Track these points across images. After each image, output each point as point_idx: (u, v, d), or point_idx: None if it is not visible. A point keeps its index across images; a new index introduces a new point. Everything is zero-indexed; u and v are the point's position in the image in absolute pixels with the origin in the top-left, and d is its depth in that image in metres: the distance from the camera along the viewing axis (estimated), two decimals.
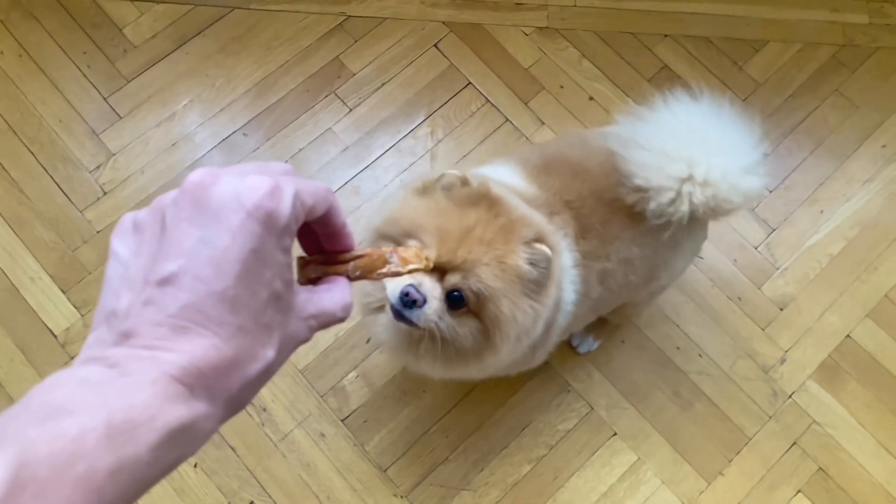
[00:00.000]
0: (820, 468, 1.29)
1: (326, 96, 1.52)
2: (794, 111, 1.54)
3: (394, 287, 0.75)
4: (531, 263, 0.78)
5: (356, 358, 1.33)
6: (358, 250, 0.42)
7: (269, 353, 0.34)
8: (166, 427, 0.30)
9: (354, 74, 1.54)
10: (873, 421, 1.31)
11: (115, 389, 0.30)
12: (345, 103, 1.52)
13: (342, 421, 1.29)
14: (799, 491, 1.28)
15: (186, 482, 1.24)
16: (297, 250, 0.41)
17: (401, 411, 1.30)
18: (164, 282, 0.32)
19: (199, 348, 0.31)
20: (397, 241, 0.78)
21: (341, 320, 0.39)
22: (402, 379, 1.32)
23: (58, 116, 1.48)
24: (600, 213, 0.94)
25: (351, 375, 1.32)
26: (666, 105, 0.98)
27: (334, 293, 0.40)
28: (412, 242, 0.76)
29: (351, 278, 0.42)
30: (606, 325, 1.32)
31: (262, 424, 1.28)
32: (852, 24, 1.61)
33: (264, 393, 1.29)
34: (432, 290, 0.76)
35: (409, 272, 0.45)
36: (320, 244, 0.42)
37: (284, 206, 0.33)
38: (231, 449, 1.26)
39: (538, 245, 0.78)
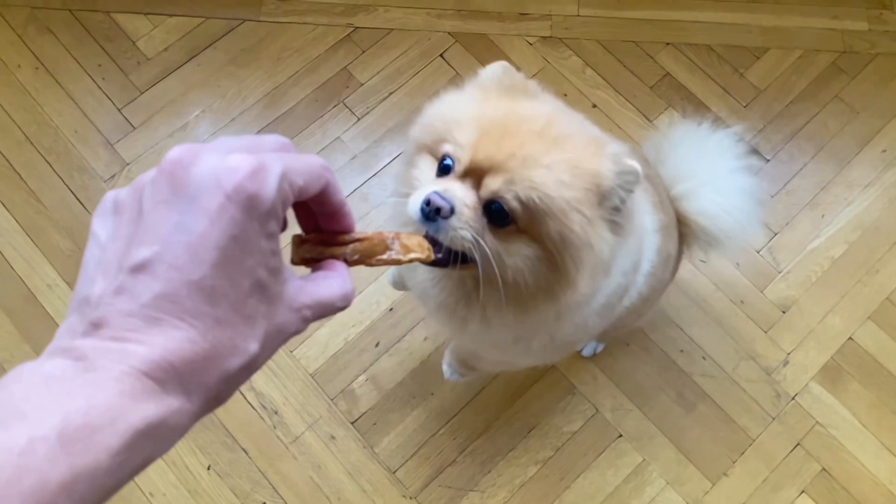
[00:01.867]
0: (823, 469, 1.30)
1: (335, 106, 1.56)
2: (795, 117, 1.57)
3: (416, 198, 0.59)
4: (618, 182, 0.59)
5: (365, 362, 1.35)
6: (358, 233, 0.40)
7: (252, 347, 0.32)
8: (131, 429, 0.27)
9: (362, 84, 1.58)
10: (876, 422, 1.33)
11: (76, 388, 0.27)
12: (353, 112, 1.55)
13: (352, 423, 1.32)
14: (803, 491, 1.29)
15: (200, 484, 1.27)
16: (295, 228, 0.40)
17: (409, 414, 1.33)
18: (138, 269, 0.30)
19: (173, 341, 0.29)
20: (433, 152, 0.65)
21: (340, 310, 0.37)
22: (411, 382, 1.34)
23: (73, 127, 1.52)
24: (665, 194, 0.90)
25: (360, 379, 1.34)
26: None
27: (332, 281, 0.37)
28: (446, 147, 0.62)
29: (349, 262, 0.39)
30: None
31: (274, 427, 1.31)
32: (852, 31, 1.64)
33: (275, 396, 1.32)
34: (463, 196, 0.59)
35: (410, 261, 0.41)
36: (318, 222, 0.40)
37: (268, 189, 0.31)
38: (243, 451, 1.29)
39: (627, 160, 0.60)
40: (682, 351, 1.38)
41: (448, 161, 0.62)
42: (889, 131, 1.55)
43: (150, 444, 0.29)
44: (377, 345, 1.36)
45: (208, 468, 1.28)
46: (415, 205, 0.59)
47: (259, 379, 1.33)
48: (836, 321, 1.40)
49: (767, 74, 1.60)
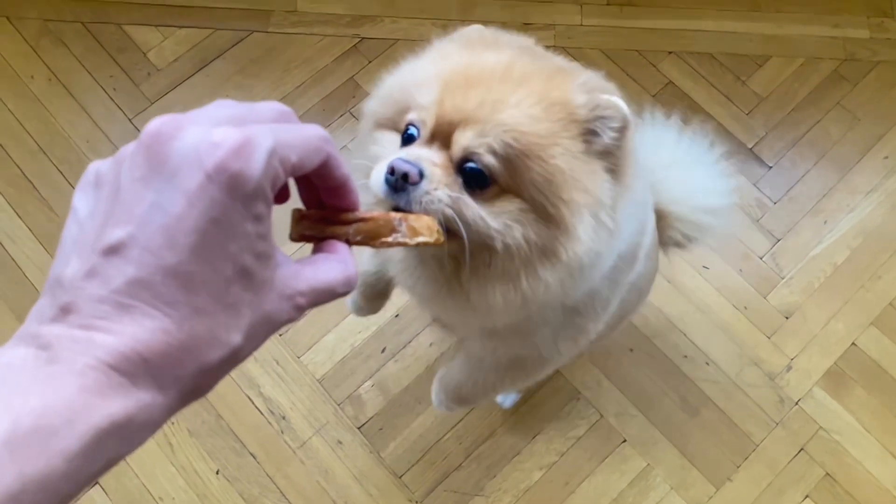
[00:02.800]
0: (827, 474, 1.31)
1: (342, 115, 1.58)
2: (797, 124, 1.58)
3: (378, 170, 0.53)
4: (596, 118, 0.54)
5: (371, 367, 1.37)
6: (363, 211, 0.37)
7: (235, 338, 0.30)
8: (92, 429, 0.26)
9: (369, 94, 1.60)
10: (879, 427, 1.34)
11: (33, 384, 0.26)
12: (359, 122, 1.57)
13: (358, 429, 1.33)
14: (807, 496, 1.30)
15: (209, 488, 1.28)
16: (297, 201, 0.38)
17: (415, 419, 1.34)
18: (111, 251, 0.28)
19: (144, 331, 0.27)
20: (395, 126, 0.59)
21: (342, 295, 0.34)
22: (417, 387, 1.36)
23: (85, 137, 1.55)
24: None
25: (367, 384, 1.36)
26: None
27: (332, 265, 0.34)
28: (409, 115, 0.56)
29: (351, 243, 0.37)
30: None
31: (282, 432, 1.32)
32: (853, 39, 1.65)
33: (283, 402, 1.34)
34: (430, 156, 0.53)
35: (418, 245, 0.39)
36: (321, 198, 0.37)
37: (254, 167, 0.28)
38: (252, 456, 1.31)
39: (606, 96, 0.55)
40: (685, 356, 1.39)
41: (412, 130, 0.57)
42: (891, 138, 1.56)
43: (115, 444, 0.27)
44: (383, 350, 1.37)
45: (217, 473, 1.29)
46: (378, 177, 0.53)
47: (267, 384, 1.35)
48: (840, 327, 1.41)
49: (769, 82, 1.62)
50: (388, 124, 0.60)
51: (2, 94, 1.57)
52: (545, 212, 0.53)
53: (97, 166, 0.32)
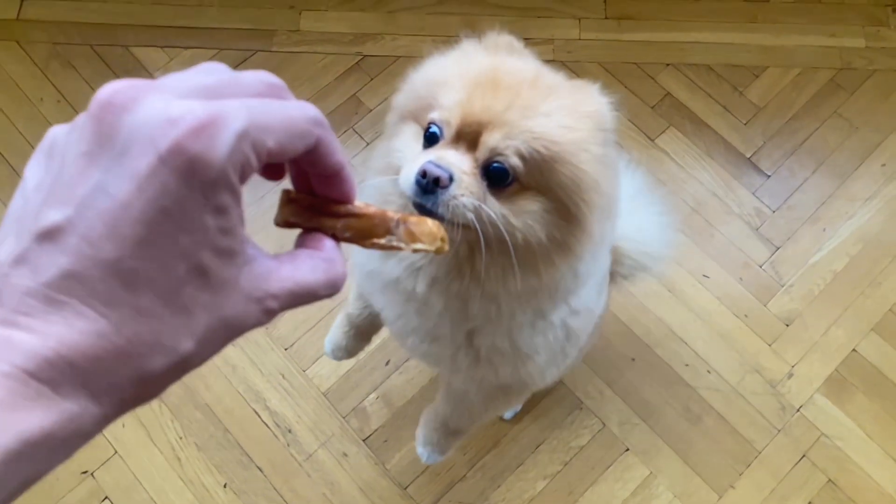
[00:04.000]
0: (829, 480, 1.32)
1: (345, 132, 1.61)
2: (795, 133, 1.60)
3: (409, 171, 0.55)
4: (613, 127, 0.60)
5: (376, 380, 1.39)
6: (358, 205, 0.34)
7: (185, 345, 0.26)
8: (1, 450, 0.22)
9: (371, 110, 1.63)
10: (881, 432, 1.34)
11: None
12: (362, 138, 1.60)
13: (364, 441, 1.35)
14: (809, 502, 1.30)
15: (216, 501, 1.30)
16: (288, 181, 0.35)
17: None
18: (46, 236, 0.24)
19: (74, 332, 0.24)
20: (418, 120, 0.61)
21: (325, 297, 0.30)
22: (421, 399, 1.37)
23: None
24: None
25: (371, 397, 1.38)
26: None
27: (315, 263, 0.30)
28: (432, 114, 0.58)
29: (339, 238, 0.33)
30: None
31: (288, 445, 1.34)
32: (849, 49, 1.67)
33: (289, 415, 1.36)
34: (459, 163, 0.55)
35: (415, 251, 0.35)
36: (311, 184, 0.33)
37: (217, 151, 0.24)
38: (258, 469, 1.33)
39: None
40: (687, 365, 1.40)
41: (434, 129, 0.59)
42: (888, 145, 1.57)
43: (31, 464, 0.23)
44: (387, 363, 1.39)
45: (224, 486, 1.31)
46: (409, 178, 0.54)
47: (273, 398, 1.37)
48: (840, 333, 1.42)
49: (767, 92, 1.63)
50: (411, 117, 0.62)
51: (12, 117, 1.61)
52: (566, 211, 0.57)
53: (55, 132, 0.28)
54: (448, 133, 0.58)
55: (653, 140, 1.59)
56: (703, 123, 1.60)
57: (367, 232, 0.34)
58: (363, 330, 1.02)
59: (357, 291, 0.97)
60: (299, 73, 1.66)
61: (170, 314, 0.25)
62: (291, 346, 1.41)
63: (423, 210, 0.55)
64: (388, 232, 0.34)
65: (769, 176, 1.56)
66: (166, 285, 0.25)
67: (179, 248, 0.25)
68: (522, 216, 0.56)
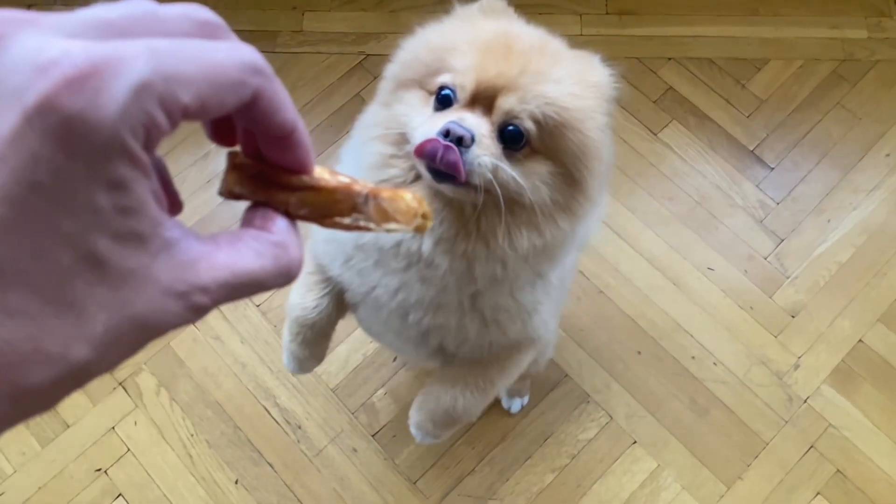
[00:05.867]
0: (838, 470, 1.32)
1: (349, 131, 1.61)
2: (798, 125, 1.60)
3: (426, 132, 0.56)
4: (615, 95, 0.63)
5: (384, 376, 1.40)
6: (316, 177, 0.28)
7: (77, 351, 0.21)
8: None
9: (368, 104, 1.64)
10: (888, 422, 1.35)
11: None
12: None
13: (373, 436, 1.36)
14: (818, 493, 1.31)
15: (228, 498, 1.31)
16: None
17: None
18: None
19: None
20: (423, 86, 0.62)
21: (276, 287, 0.26)
22: None
23: None
24: None
25: (380, 392, 1.39)
26: None
27: (261, 248, 0.25)
28: (442, 77, 0.59)
29: (293, 216, 0.27)
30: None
31: (298, 441, 1.35)
32: (851, 40, 1.67)
33: (299, 412, 1.37)
34: (478, 126, 0.57)
35: (388, 231, 0.29)
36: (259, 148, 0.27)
37: (105, 108, 0.19)
38: (269, 465, 1.34)
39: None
40: (693, 358, 1.41)
41: (447, 92, 0.60)
42: (892, 136, 1.57)
43: None
44: (395, 359, 1.40)
45: (236, 482, 1.33)
46: (428, 137, 0.56)
47: (282, 395, 1.38)
48: (846, 324, 1.43)
49: (769, 85, 1.64)
50: (413, 85, 0.63)
51: None
52: (570, 176, 0.60)
53: None
54: (462, 96, 0.59)
55: (656, 134, 1.60)
56: (705, 117, 1.61)
57: (327, 208, 0.28)
58: (322, 327, 0.86)
59: (308, 282, 0.85)
60: (303, 74, 1.67)
61: (52, 314, 0.20)
62: None
63: (441, 175, 0.56)
64: (353, 209, 0.28)
65: (773, 168, 1.56)
66: (45, 279, 0.20)
67: (62, 233, 0.20)
68: (532, 178, 0.59)
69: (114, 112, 0.19)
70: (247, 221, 0.26)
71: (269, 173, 0.27)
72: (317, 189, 0.27)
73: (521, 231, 0.60)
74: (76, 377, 0.21)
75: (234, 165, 0.27)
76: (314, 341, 0.87)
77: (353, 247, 0.72)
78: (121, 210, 0.21)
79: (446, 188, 0.59)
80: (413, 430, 0.94)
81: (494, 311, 0.71)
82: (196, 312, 0.23)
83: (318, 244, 0.81)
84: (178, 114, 0.21)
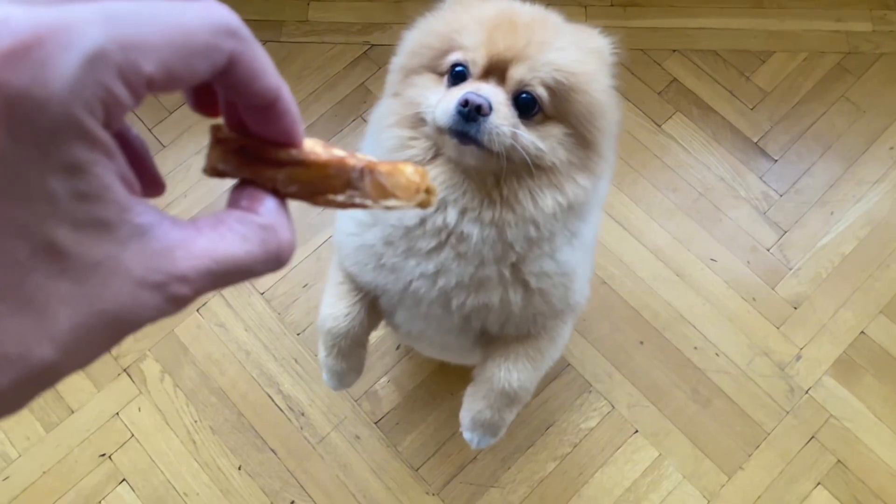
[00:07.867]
0: (839, 461, 1.32)
1: (353, 120, 1.62)
2: (802, 118, 1.60)
3: (447, 103, 0.60)
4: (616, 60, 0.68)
5: (387, 364, 1.41)
6: (306, 150, 0.26)
7: (40, 351, 0.19)
8: None
9: (379, 99, 1.64)
10: (890, 414, 1.35)
11: None
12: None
13: (376, 423, 1.37)
14: (819, 483, 1.31)
15: (232, 483, 1.32)
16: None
17: (430, 413, 1.37)
18: None
19: None
20: (433, 69, 0.66)
21: (265, 273, 0.23)
22: (431, 383, 1.39)
23: None
24: None
25: (383, 380, 1.39)
26: None
27: (247, 231, 0.23)
28: (454, 56, 0.63)
29: (281, 194, 0.25)
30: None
31: (301, 428, 1.36)
32: (856, 33, 1.67)
33: (302, 399, 1.38)
34: (494, 94, 0.60)
35: (387, 209, 0.27)
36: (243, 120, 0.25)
37: (53, 83, 0.17)
38: (272, 452, 1.35)
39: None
40: (695, 348, 1.41)
41: (460, 68, 0.64)
42: None
43: None
44: (398, 347, 1.41)
45: (239, 468, 1.33)
46: (448, 108, 0.59)
47: (286, 382, 1.39)
48: (848, 316, 1.43)
49: (773, 77, 1.64)
50: (422, 70, 0.67)
51: None
52: (583, 137, 0.64)
53: None
54: (475, 71, 0.63)
55: (660, 126, 1.60)
56: (709, 109, 1.61)
57: (318, 185, 0.26)
58: (356, 335, 0.83)
59: (338, 292, 0.82)
60: (308, 63, 1.68)
61: (8, 313, 0.19)
62: (304, 331, 1.42)
63: (467, 138, 0.59)
64: (348, 185, 0.26)
65: (776, 160, 1.56)
66: None
67: (15, 223, 0.18)
68: (549, 140, 0.62)
69: (63, 87, 0.17)
70: (232, 202, 0.24)
71: (254, 148, 0.25)
72: (306, 164, 0.25)
73: (545, 192, 0.63)
74: (41, 378, 0.20)
75: (217, 140, 0.25)
76: (350, 352, 0.84)
77: (383, 244, 0.71)
78: (79, 196, 0.19)
79: (470, 152, 0.61)
80: (468, 434, 0.85)
81: (538, 278, 0.71)
82: (176, 304, 0.21)
83: (346, 254, 0.79)
84: (142, 86, 0.19)
